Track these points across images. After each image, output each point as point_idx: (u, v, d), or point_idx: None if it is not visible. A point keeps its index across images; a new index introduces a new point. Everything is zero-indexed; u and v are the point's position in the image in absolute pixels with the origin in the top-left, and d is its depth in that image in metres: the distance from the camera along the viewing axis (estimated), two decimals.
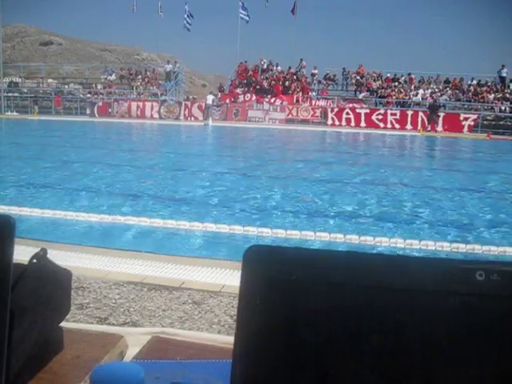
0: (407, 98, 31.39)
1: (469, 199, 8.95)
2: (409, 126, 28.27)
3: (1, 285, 0.70)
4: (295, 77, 34.16)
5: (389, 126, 28.62)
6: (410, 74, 33.85)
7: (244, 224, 6.41)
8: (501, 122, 28.65)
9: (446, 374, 0.51)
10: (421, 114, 28.44)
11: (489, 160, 16.74)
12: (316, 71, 35.23)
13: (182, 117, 31.44)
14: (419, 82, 33.46)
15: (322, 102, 31.95)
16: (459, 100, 30.96)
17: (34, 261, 0.94)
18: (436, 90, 31.99)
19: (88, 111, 32.65)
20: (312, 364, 0.53)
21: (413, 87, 32.62)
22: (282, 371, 0.53)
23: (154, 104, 32.18)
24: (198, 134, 24.13)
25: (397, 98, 31.14)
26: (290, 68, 35.50)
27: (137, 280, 3.90)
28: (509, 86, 31.13)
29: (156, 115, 31.73)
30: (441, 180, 11.27)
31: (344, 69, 35.41)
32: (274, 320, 0.53)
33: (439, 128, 27.52)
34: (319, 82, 34.95)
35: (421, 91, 31.70)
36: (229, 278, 4.07)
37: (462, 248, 5.62)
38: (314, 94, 33.24)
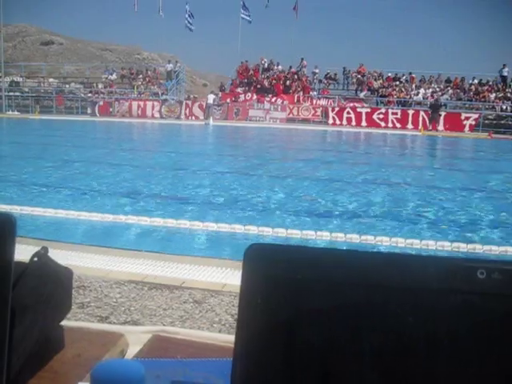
0: (408, 97, 31.39)
1: (469, 199, 8.94)
2: (410, 126, 28.28)
3: (2, 283, 0.70)
4: (296, 76, 34.16)
5: (390, 125, 28.62)
6: (411, 74, 33.83)
7: (245, 223, 6.41)
8: (502, 122, 28.64)
9: (447, 372, 0.51)
10: (422, 113, 28.44)
11: (490, 159, 16.74)
12: (317, 70, 35.23)
13: (182, 116, 31.46)
14: (420, 81, 33.46)
15: (322, 102, 31.96)
16: (460, 99, 30.96)
17: (35, 259, 0.94)
18: (437, 89, 31.98)
19: (89, 111, 32.68)
20: (314, 364, 0.53)
21: (414, 86, 32.61)
22: (282, 370, 0.53)
23: (155, 103, 32.20)
24: (199, 134, 24.14)
25: (398, 98, 31.14)
26: (290, 67, 35.50)
27: (138, 279, 3.90)
28: (510, 86, 31.12)
29: (157, 114, 31.75)
30: (441, 179, 11.26)
31: (345, 68, 35.40)
32: (275, 319, 0.53)
33: (440, 127, 27.51)
34: (320, 82, 34.94)
35: (422, 90, 31.70)
36: (230, 277, 4.07)
37: (463, 247, 5.61)
38: (314, 93, 33.22)
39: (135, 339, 1.11)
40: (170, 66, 36.16)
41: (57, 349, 1.00)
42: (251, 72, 35.18)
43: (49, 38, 53.85)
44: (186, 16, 39.77)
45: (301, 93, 32.60)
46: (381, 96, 31.82)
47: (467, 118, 27.94)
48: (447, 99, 30.52)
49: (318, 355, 0.53)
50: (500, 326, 0.50)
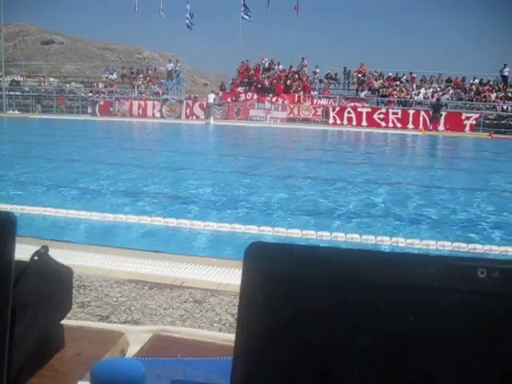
0: (409, 97, 31.38)
1: (470, 198, 8.94)
2: (410, 126, 28.27)
3: (2, 282, 0.70)
4: (297, 76, 34.14)
5: (390, 125, 28.61)
6: (411, 73, 33.80)
7: (245, 222, 6.41)
8: (503, 122, 28.63)
9: (448, 372, 0.51)
10: (422, 113, 28.44)
11: (490, 159, 16.74)
12: (318, 70, 35.21)
13: (183, 115, 31.46)
14: (421, 81, 33.43)
15: (323, 101, 31.93)
16: (461, 99, 30.94)
17: (36, 258, 0.94)
18: (438, 89, 31.96)
19: (89, 110, 32.67)
20: (314, 362, 0.53)
21: (414, 86, 32.59)
22: (283, 369, 0.53)
23: (156, 103, 32.19)
24: (200, 133, 24.14)
25: (398, 97, 31.12)
26: (291, 67, 35.47)
27: (138, 278, 3.90)
28: (511, 85, 31.09)
29: (157, 114, 31.74)
30: (442, 179, 11.27)
31: (345, 68, 35.38)
32: (276, 318, 0.53)
33: (441, 127, 27.51)
34: (320, 81, 34.92)
35: (422, 90, 31.68)
36: (230, 276, 4.07)
37: (464, 247, 5.61)
38: (315, 93, 33.21)
39: (135, 338, 1.11)
40: (170, 66, 36.15)
41: (57, 348, 1.00)
42: (252, 71, 35.16)
43: (49, 38, 53.84)
44: (187, 15, 39.78)
45: (301, 92, 32.59)
46: (381, 96, 31.80)
47: (468, 118, 27.92)
48: (448, 99, 30.50)
49: (319, 354, 0.53)
50: (500, 325, 0.50)
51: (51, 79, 39.01)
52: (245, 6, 38.59)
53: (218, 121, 29.20)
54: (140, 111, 31.87)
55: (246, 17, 38.85)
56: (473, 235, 6.50)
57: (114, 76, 36.86)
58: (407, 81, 33.35)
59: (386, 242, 5.74)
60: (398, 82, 32.76)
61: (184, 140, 21.36)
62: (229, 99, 32.32)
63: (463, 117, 28.06)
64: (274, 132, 24.57)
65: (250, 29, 43.59)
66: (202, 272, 4.20)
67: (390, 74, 33.97)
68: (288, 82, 33.36)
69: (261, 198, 8.42)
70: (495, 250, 5.56)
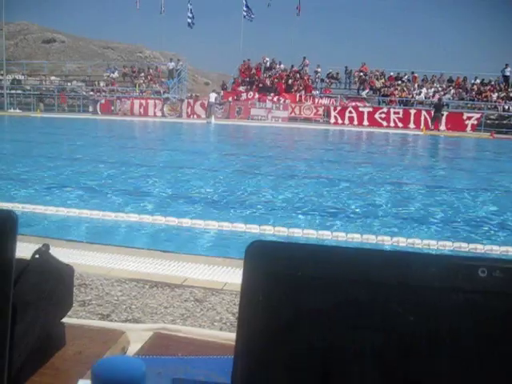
0: (410, 96, 31.36)
1: (471, 198, 8.93)
2: (412, 125, 28.27)
3: (3, 279, 0.70)
4: (298, 75, 34.12)
5: (392, 124, 28.62)
6: (413, 73, 33.78)
7: (246, 221, 6.41)
8: (504, 122, 28.61)
9: (449, 371, 0.51)
10: (424, 112, 28.43)
11: (492, 159, 16.72)
12: (319, 69, 35.19)
13: (184, 114, 31.46)
14: (422, 80, 33.40)
15: (324, 101, 31.93)
16: (462, 99, 30.92)
17: (37, 256, 0.94)
18: (439, 88, 31.95)
19: (90, 109, 32.70)
20: (315, 361, 0.53)
21: (416, 86, 32.57)
22: (283, 368, 0.53)
23: (157, 102, 32.19)
24: (201, 132, 24.14)
25: (400, 97, 31.11)
26: (292, 66, 35.46)
27: (139, 277, 3.90)
28: None
29: (159, 113, 31.75)
30: (443, 179, 11.26)
31: (347, 67, 35.37)
32: (276, 316, 0.53)
33: (442, 127, 27.49)
34: (322, 81, 34.90)
35: (424, 90, 31.66)
36: (231, 275, 4.07)
37: (464, 247, 5.61)
38: (316, 92, 33.20)
39: (136, 337, 1.11)
40: (171, 65, 36.16)
41: (58, 346, 1.00)
42: (253, 71, 35.15)
43: (50, 36, 53.86)
44: (189, 14, 39.78)
45: (303, 92, 32.58)
46: (383, 95, 31.79)
47: (469, 118, 27.91)
48: (449, 99, 30.48)
49: (319, 353, 0.53)
50: (502, 324, 0.50)
51: (52, 78, 39.04)
52: (247, 7, 38.58)
53: (219, 120, 29.21)
54: (141, 110, 31.88)
55: (247, 15, 38.84)
56: (473, 235, 6.50)
57: (116, 75, 36.87)
58: (409, 80, 33.33)
59: (387, 242, 5.73)
60: (400, 82, 32.75)
61: (185, 139, 21.35)
62: (230, 98, 32.33)
63: (465, 117, 28.05)
64: (276, 131, 24.56)
65: (251, 28, 43.74)
66: (202, 271, 4.20)
67: (392, 73, 33.95)
68: (289, 81, 33.35)
69: (262, 197, 8.41)
70: (496, 250, 5.55)
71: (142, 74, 36.21)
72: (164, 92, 33.88)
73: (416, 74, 33.71)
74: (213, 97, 30.38)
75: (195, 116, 31.21)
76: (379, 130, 26.65)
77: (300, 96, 32.16)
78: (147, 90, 34.45)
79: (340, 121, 29.57)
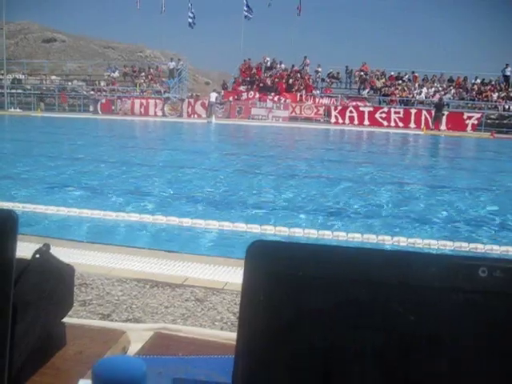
0: (411, 96, 31.35)
1: (472, 197, 8.93)
2: (412, 125, 28.27)
3: (4, 279, 0.70)
4: (299, 75, 34.11)
5: (392, 124, 28.62)
6: (413, 73, 33.77)
7: (246, 221, 6.41)
8: (504, 121, 28.61)
9: (449, 371, 0.51)
10: (424, 112, 28.43)
11: (492, 159, 16.72)
12: (320, 69, 35.18)
13: (185, 114, 31.46)
14: (423, 80, 33.39)
15: (325, 100, 31.93)
16: (463, 99, 30.92)
17: (37, 256, 0.94)
18: (440, 88, 31.93)
19: (91, 108, 32.70)
20: (316, 361, 0.53)
21: (417, 86, 32.56)
22: (284, 368, 0.53)
23: (158, 101, 32.20)
24: (202, 132, 24.14)
25: (400, 97, 31.10)
26: (293, 66, 35.43)
27: (139, 277, 3.90)
28: None
29: (159, 113, 31.76)
30: (444, 178, 11.26)
31: (347, 67, 35.36)
32: (277, 316, 0.53)
33: (442, 127, 27.49)
34: (322, 80, 34.89)
35: (424, 90, 31.66)
36: (232, 275, 4.07)
37: (465, 247, 5.61)
38: (317, 92, 33.20)
39: (137, 336, 1.11)
40: (172, 64, 36.17)
41: (59, 346, 1.00)
42: (254, 70, 35.15)
43: (51, 36, 53.84)
44: (189, 13, 39.77)
45: (303, 91, 32.57)
46: (383, 95, 31.78)
47: (469, 118, 27.91)
48: (450, 98, 30.48)
49: (320, 353, 0.53)
50: (502, 324, 0.50)
51: (53, 77, 39.05)
52: (248, 6, 38.56)
53: (219, 119, 29.21)
54: (142, 110, 31.89)
55: (247, 14, 38.80)
56: (474, 234, 6.50)
57: (116, 74, 36.88)
58: (409, 80, 33.32)
59: (388, 241, 5.73)
60: (400, 82, 32.74)
61: (186, 139, 21.35)
62: (231, 98, 32.33)
63: (465, 116, 28.05)
64: (276, 131, 24.56)
65: (252, 28, 43.74)
66: (203, 270, 4.20)
67: (392, 73, 33.94)
68: (290, 80, 33.34)
69: (262, 197, 8.41)
70: (496, 250, 5.55)
71: (143, 74, 36.22)
72: (165, 92, 33.89)
73: (416, 74, 33.70)
74: (213, 96, 30.39)
75: (196, 116, 31.21)
76: (380, 130, 26.64)
77: (301, 96, 32.16)
78: (148, 89, 34.46)
79: (341, 120, 29.57)
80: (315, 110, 30.81)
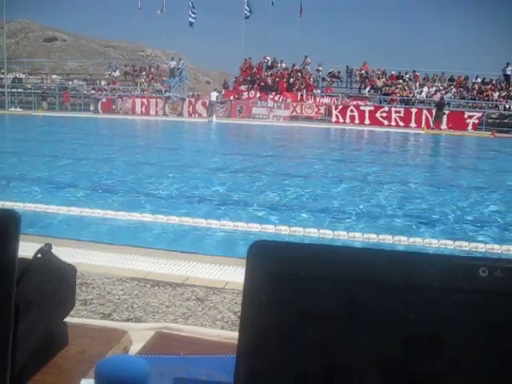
0: (411, 95, 31.33)
1: (472, 197, 8.93)
2: (413, 124, 28.25)
3: (6, 279, 0.70)
4: (299, 74, 34.09)
5: (393, 123, 28.60)
6: (414, 72, 33.73)
7: (248, 220, 6.41)
8: (505, 121, 28.58)
9: (450, 370, 0.51)
10: (425, 111, 28.41)
11: (493, 158, 16.70)
12: (320, 68, 35.16)
13: (185, 113, 31.45)
14: (424, 79, 33.36)
15: (326, 100, 31.90)
16: (464, 98, 30.89)
17: (39, 255, 0.94)
18: (440, 87, 31.91)
19: (92, 107, 32.70)
20: (317, 361, 0.53)
21: (417, 85, 32.53)
22: (286, 368, 0.54)
23: (158, 101, 32.19)
24: (203, 131, 24.13)
25: (401, 96, 31.08)
26: (294, 65, 35.41)
27: (140, 276, 3.90)
28: None
29: (160, 112, 31.75)
30: (445, 177, 11.25)
31: (348, 66, 35.32)
32: (280, 316, 0.54)
33: (443, 126, 27.48)
34: (323, 80, 34.87)
35: (425, 89, 31.63)
36: (232, 274, 4.07)
37: (465, 246, 5.61)
38: (318, 91, 33.18)
39: (138, 336, 1.11)
40: (173, 63, 36.15)
41: (61, 345, 1.01)
42: (255, 69, 35.12)
43: (52, 35, 53.87)
44: (190, 12, 39.73)
45: (304, 91, 32.55)
46: (384, 94, 31.76)
47: (470, 117, 27.89)
48: (450, 98, 30.47)
49: (322, 353, 0.53)
50: (502, 323, 0.50)
51: (54, 76, 39.04)
52: (248, 5, 38.53)
53: (220, 119, 29.20)
54: (142, 109, 31.89)
55: (246, 12, 38.77)
56: (475, 234, 6.49)
57: (117, 73, 36.86)
58: (410, 79, 33.29)
59: (388, 241, 5.73)
60: (401, 81, 32.71)
61: (186, 138, 21.35)
62: (231, 97, 32.31)
63: (466, 116, 28.04)
64: (277, 130, 24.55)
65: (252, 27, 43.66)
66: (204, 270, 4.20)
67: (393, 72, 33.91)
68: (291, 80, 33.31)
69: (262, 197, 8.41)
70: (497, 249, 5.55)
71: (144, 73, 36.21)
72: (165, 91, 33.88)
73: (417, 73, 33.66)
74: (214, 95, 30.38)
75: (196, 115, 31.20)
76: (380, 129, 26.63)
77: (301, 95, 32.14)
78: (148, 88, 34.46)
79: (341, 120, 29.56)
80: (316, 109, 30.80)
